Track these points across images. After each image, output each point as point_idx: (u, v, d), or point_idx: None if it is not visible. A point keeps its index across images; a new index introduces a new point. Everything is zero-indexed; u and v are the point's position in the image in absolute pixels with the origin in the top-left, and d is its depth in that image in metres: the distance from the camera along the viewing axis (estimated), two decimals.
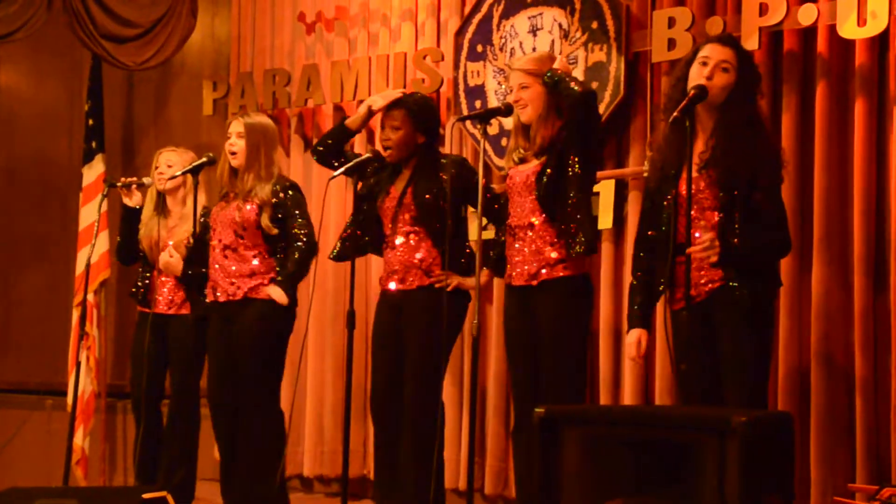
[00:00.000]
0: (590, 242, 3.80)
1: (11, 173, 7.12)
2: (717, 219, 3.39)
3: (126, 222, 5.06)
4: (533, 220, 3.85)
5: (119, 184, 5.05)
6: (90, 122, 6.38)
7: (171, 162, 5.03)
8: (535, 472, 3.07)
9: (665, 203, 3.45)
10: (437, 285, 4.08)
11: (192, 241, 4.85)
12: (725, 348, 3.38)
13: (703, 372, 3.40)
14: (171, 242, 4.91)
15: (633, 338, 3.59)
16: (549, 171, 3.81)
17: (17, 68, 7.20)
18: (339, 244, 4.34)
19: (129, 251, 5.10)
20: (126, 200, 5.06)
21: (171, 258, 4.84)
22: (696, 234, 3.40)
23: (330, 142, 4.38)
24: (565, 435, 3.02)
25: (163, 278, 4.96)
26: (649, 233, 3.55)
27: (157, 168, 5.05)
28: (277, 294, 4.43)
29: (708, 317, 3.41)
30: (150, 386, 4.97)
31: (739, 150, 3.37)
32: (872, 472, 4.10)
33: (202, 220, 4.83)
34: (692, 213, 3.39)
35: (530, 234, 3.86)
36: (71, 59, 6.83)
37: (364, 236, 4.29)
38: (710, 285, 3.41)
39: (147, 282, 5.03)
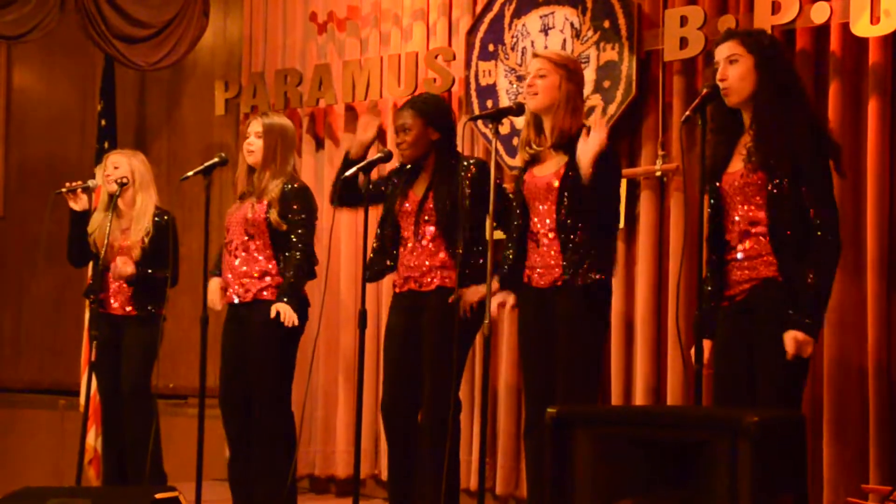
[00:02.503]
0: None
1: (24, 174, 7.15)
2: (756, 215, 3.33)
3: (74, 226, 5.10)
4: (558, 228, 3.80)
5: (64, 190, 5.09)
6: (102, 122, 6.41)
7: (117, 164, 5.08)
8: (547, 471, 3.07)
9: (713, 202, 3.40)
10: (451, 300, 4.04)
11: (146, 241, 4.91)
12: (763, 347, 3.31)
13: (740, 372, 3.36)
14: (118, 248, 4.98)
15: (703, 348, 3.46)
16: (569, 180, 3.76)
17: (30, 69, 7.23)
18: (371, 264, 4.29)
19: (80, 254, 5.13)
20: (72, 205, 5.08)
21: (129, 268, 4.93)
22: (736, 229, 3.37)
23: (343, 182, 4.25)
24: (577, 435, 3.01)
25: (117, 283, 5.02)
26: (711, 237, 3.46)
27: (104, 170, 5.09)
28: (288, 317, 4.39)
29: (749, 314, 3.35)
30: (114, 386, 5.02)
31: (776, 137, 3.30)
32: (886, 473, 4.07)
33: (157, 220, 4.99)
34: (736, 204, 3.36)
35: (552, 240, 3.82)
36: (83, 60, 6.86)
37: (392, 249, 4.27)
38: (751, 283, 3.35)
39: (100, 282, 5.04)
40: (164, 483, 4.91)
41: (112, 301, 5.03)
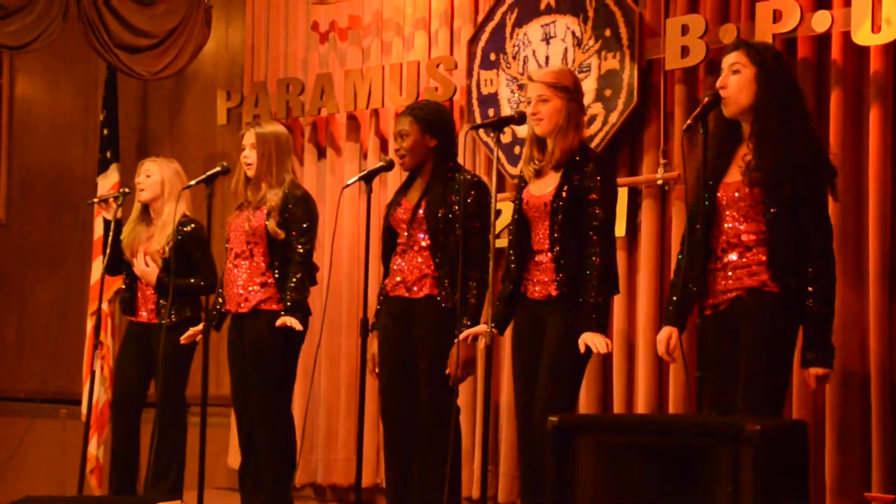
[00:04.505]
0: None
1: (27, 183, 7.16)
2: (750, 226, 3.36)
3: (106, 235, 5.10)
4: (552, 245, 3.79)
5: (96, 200, 5.12)
6: (105, 131, 6.41)
7: (150, 172, 5.08)
8: (549, 480, 3.06)
9: (704, 209, 3.41)
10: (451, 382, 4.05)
11: (167, 250, 4.89)
12: (743, 356, 3.34)
13: (725, 380, 3.38)
14: (142, 253, 4.97)
15: (663, 334, 3.55)
16: (562, 200, 3.76)
17: (33, 78, 7.24)
18: None
19: (112, 262, 5.10)
20: (104, 214, 5.10)
21: (147, 267, 4.91)
22: (726, 239, 3.39)
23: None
24: (579, 442, 3.01)
25: (147, 291, 5.01)
26: (687, 240, 3.50)
27: (137, 177, 5.10)
28: (294, 324, 4.41)
29: (733, 323, 3.37)
30: (129, 394, 5.02)
31: (775, 151, 3.31)
32: (889, 481, 4.07)
33: (182, 228, 4.94)
34: (730, 214, 3.38)
35: (548, 257, 3.82)
36: (86, 69, 6.87)
37: (387, 257, 4.30)
38: (735, 293, 3.37)
39: (132, 291, 5.05)
40: (180, 496, 4.91)
41: (141, 309, 5.03)
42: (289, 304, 4.43)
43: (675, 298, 3.55)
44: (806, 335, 3.34)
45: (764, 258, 3.33)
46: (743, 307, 3.35)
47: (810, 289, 3.31)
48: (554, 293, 3.76)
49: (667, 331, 3.56)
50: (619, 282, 3.87)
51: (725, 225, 3.40)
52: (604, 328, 3.72)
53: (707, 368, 3.38)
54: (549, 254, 3.78)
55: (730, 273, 3.38)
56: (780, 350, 3.35)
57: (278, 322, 4.41)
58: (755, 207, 3.35)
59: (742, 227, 3.38)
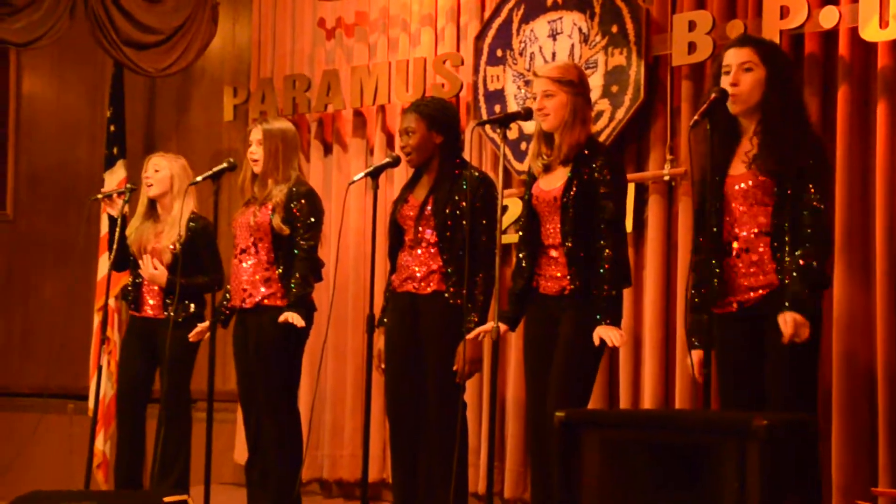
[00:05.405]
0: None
1: (34, 179, 7.17)
2: (763, 219, 3.34)
3: (112, 231, 5.10)
4: (563, 240, 3.79)
5: (99, 196, 5.13)
6: (112, 128, 6.42)
7: (158, 167, 5.06)
8: (556, 475, 3.07)
9: (714, 206, 3.40)
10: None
11: (177, 246, 4.88)
12: (772, 353, 3.31)
13: (748, 379, 3.36)
14: (150, 250, 4.96)
15: (696, 358, 3.47)
16: (573, 194, 3.76)
17: (40, 75, 7.25)
18: None
19: (118, 258, 5.10)
20: (109, 210, 5.10)
21: (156, 270, 4.90)
22: (741, 233, 3.37)
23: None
24: (585, 439, 3.02)
25: (153, 287, 5.00)
26: (700, 239, 3.46)
27: (144, 172, 5.09)
28: (296, 320, 4.41)
29: (762, 320, 3.33)
30: (134, 390, 5.03)
31: (783, 144, 3.31)
32: (895, 475, 4.07)
33: (191, 224, 4.92)
34: (741, 209, 3.36)
35: (559, 252, 3.82)
36: (93, 66, 6.88)
37: (394, 253, 4.31)
38: (759, 291, 3.35)
39: (137, 286, 5.05)
40: (186, 491, 4.91)
41: (145, 305, 5.02)
42: (292, 300, 4.44)
43: (705, 318, 3.40)
44: (789, 286, 3.23)
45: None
46: (773, 303, 3.29)
47: (799, 247, 3.25)
48: (567, 288, 3.76)
49: (696, 355, 3.47)
50: (631, 275, 3.87)
51: (740, 220, 3.39)
52: (617, 321, 3.71)
53: (727, 366, 3.37)
54: (561, 248, 3.78)
55: (754, 269, 3.36)
56: (810, 346, 3.29)
57: (280, 318, 4.42)
58: (767, 196, 3.35)
59: (755, 219, 3.36)
